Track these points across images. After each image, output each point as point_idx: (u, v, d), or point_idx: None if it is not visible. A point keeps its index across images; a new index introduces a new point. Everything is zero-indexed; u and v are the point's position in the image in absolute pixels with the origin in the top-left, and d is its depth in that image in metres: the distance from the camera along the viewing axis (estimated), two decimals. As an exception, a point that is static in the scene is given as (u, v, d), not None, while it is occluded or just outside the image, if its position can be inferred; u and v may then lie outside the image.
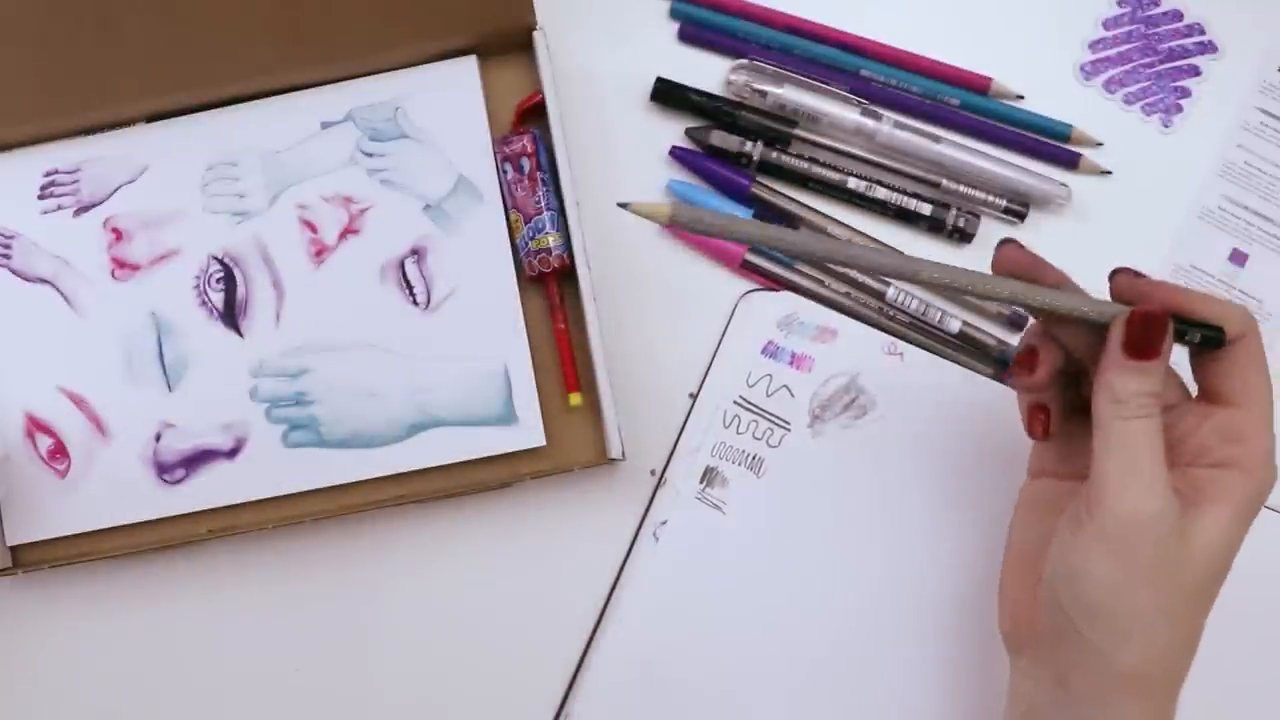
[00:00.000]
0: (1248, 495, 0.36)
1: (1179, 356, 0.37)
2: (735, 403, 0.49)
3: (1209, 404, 0.37)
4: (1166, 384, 0.37)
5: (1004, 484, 0.48)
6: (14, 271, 0.50)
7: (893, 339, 0.49)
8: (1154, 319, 0.35)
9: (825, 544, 0.48)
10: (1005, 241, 0.38)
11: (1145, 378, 0.35)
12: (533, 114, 0.49)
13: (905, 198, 0.50)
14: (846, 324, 0.49)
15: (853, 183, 0.50)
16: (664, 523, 0.48)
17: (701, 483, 0.49)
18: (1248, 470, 0.36)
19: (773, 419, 0.49)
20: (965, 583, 0.48)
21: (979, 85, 0.51)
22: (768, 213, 0.51)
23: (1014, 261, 0.38)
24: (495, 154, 0.49)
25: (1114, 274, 0.37)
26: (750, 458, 0.49)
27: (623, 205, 0.34)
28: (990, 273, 0.38)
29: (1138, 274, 0.37)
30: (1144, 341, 0.35)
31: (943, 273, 0.36)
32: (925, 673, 0.47)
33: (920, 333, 0.50)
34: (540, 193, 0.48)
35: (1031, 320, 0.40)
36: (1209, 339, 0.36)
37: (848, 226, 0.51)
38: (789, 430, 0.49)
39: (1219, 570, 0.36)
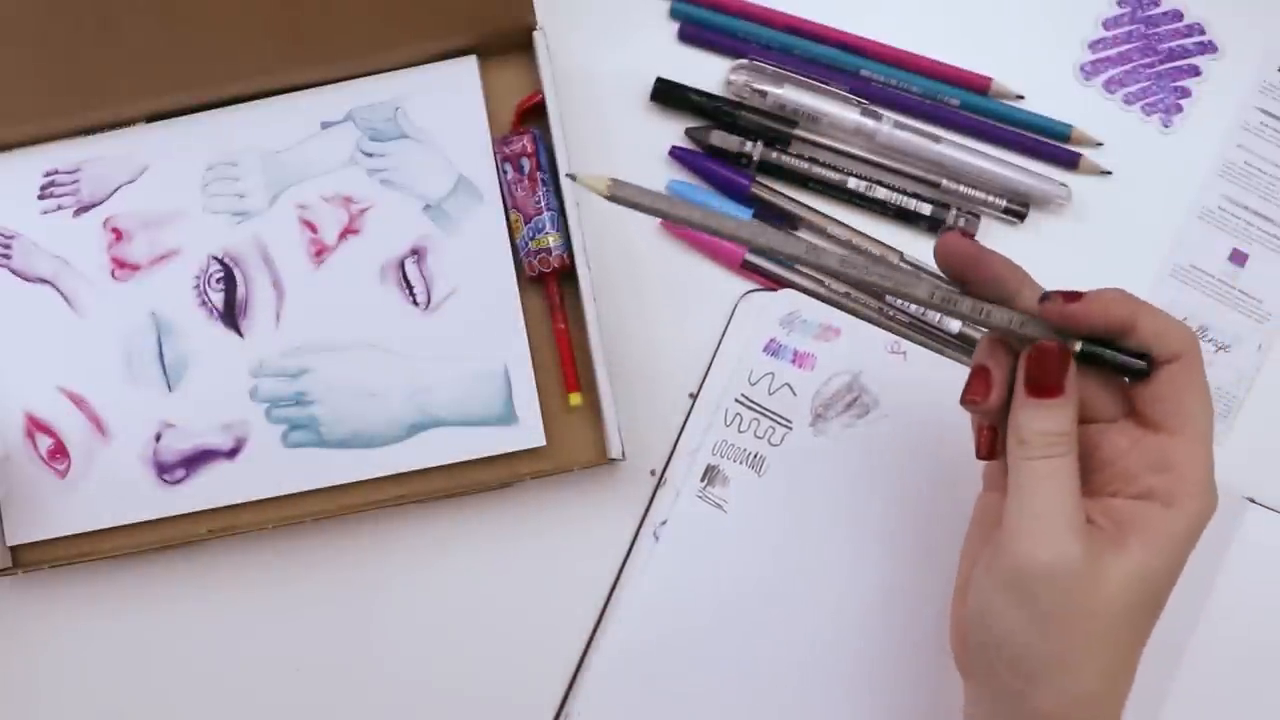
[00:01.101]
0: (1172, 531, 0.33)
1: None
2: (737, 401, 0.49)
3: (1139, 426, 0.34)
4: (1102, 400, 0.35)
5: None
6: (14, 271, 0.50)
7: (896, 338, 0.49)
8: (1050, 356, 0.33)
9: (826, 542, 0.48)
10: (947, 229, 0.37)
11: (1049, 416, 0.33)
12: (533, 114, 0.49)
13: (905, 198, 0.50)
14: (850, 322, 0.49)
15: (853, 183, 0.50)
16: (664, 523, 0.48)
17: (703, 481, 0.49)
18: (1172, 504, 0.33)
19: (774, 417, 0.49)
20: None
21: (979, 85, 0.51)
22: (768, 213, 0.51)
23: (955, 252, 0.35)
24: (495, 154, 0.49)
25: (1042, 299, 0.34)
26: (752, 456, 0.49)
27: (570, 176, 0.33)
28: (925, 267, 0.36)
29: (1070, 295, 0.34)
30: (1043, 379, 0.33)
31: (854, 268, 0.35)
32: (925, 671, 0.47)
33: (920, 332, 0.50)
34: (540, 193, 0.48)
35: (983, 334, 0.37)
36: (1130, 370, 0.34)
37: (848, 227, 0.51)
38: (791, 429, 0.49)
39: (1141, 609, 0.34)
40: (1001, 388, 0.35)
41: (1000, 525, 0.34)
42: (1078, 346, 0.34)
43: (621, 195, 0.34)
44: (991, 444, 0.37)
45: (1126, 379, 0.35)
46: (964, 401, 0.36)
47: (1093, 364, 0.34)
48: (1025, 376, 0.34)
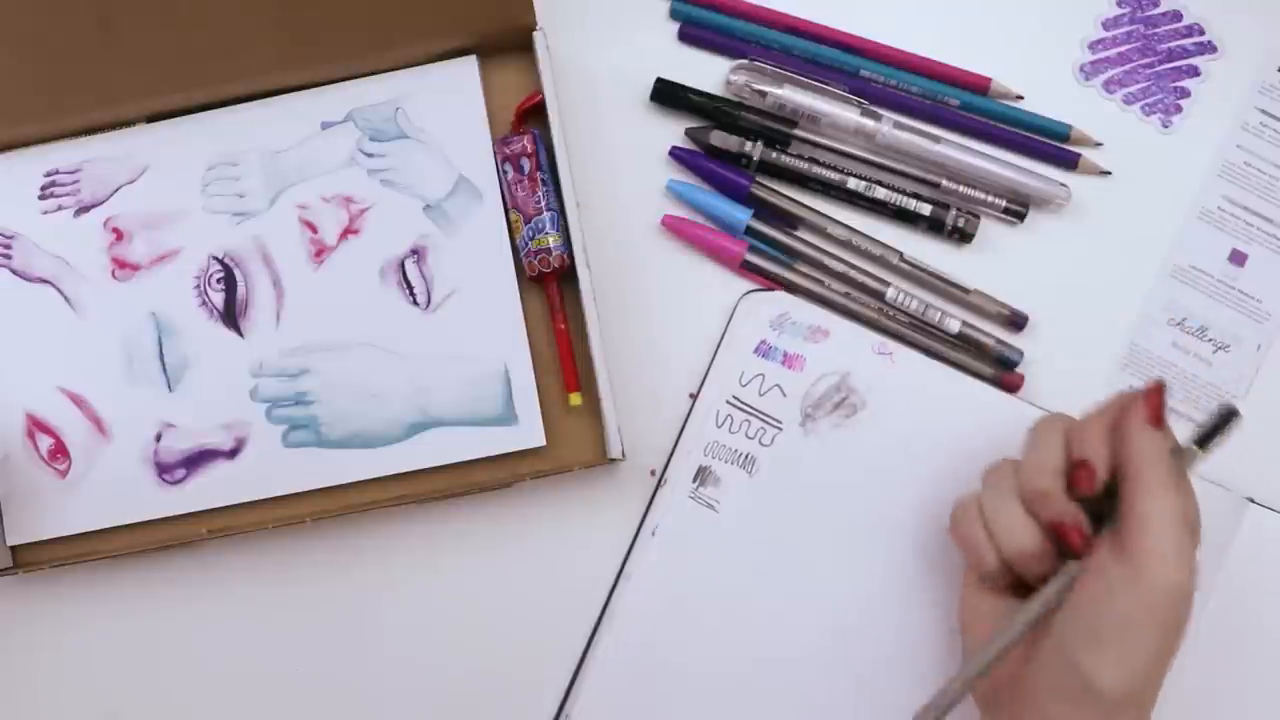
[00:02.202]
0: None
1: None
2: (728, 402, 0.49)
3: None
4: None
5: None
6: (14, 271, 0.50)
7: (883, 339, 0.49)
8: (1161, 391, 0.39)
9: (817, 542, 0.48)
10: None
11: (1165, 439, 0.38)
12: (533, 114, 0.49)
13: (905, 198, 0.50)
14: (838, 324, 0.49)
15: (853, 183, 0.50)
16: (660, 523, 0.48)
17: (695, 482, 0.49)
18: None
19: (765, 418, 0.49)
20: (955, 579, 0.48)
21: (979, 85, 0.51)
22: (767, 212, 0.51)
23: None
24: (495, 154, 0.49)
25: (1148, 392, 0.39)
26: (743, 457, 0.49)
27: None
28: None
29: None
30: (1158, 410, 0.39)
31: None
32: (917, 668, 0.47)
33: (920, 333, 0.50)
34: (540, 193, 0.48)
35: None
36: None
37: (848, 227, 0.51)
38: (781, 429, 0.49)
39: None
40: (1102, 473, 0.38)
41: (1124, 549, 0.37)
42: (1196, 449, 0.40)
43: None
44: (1084, 536, 0.39)
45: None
46: (1072, 489, 0.39)
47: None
48: (1146, 407, 0.38)
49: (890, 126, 0.50)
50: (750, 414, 0.49)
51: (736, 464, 0.49)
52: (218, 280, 0.49)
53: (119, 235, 0.50)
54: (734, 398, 0.49)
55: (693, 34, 0.52)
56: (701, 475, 0.49)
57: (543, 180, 0.48)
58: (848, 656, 0.48)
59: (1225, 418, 0.40)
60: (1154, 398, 0.38)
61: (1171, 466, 0.37)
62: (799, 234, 0.51)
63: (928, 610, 0.48)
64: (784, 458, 0.48)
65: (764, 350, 0.49)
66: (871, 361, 0.49)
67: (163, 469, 0.49)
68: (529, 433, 0.48)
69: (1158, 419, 0.38)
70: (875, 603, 0.48)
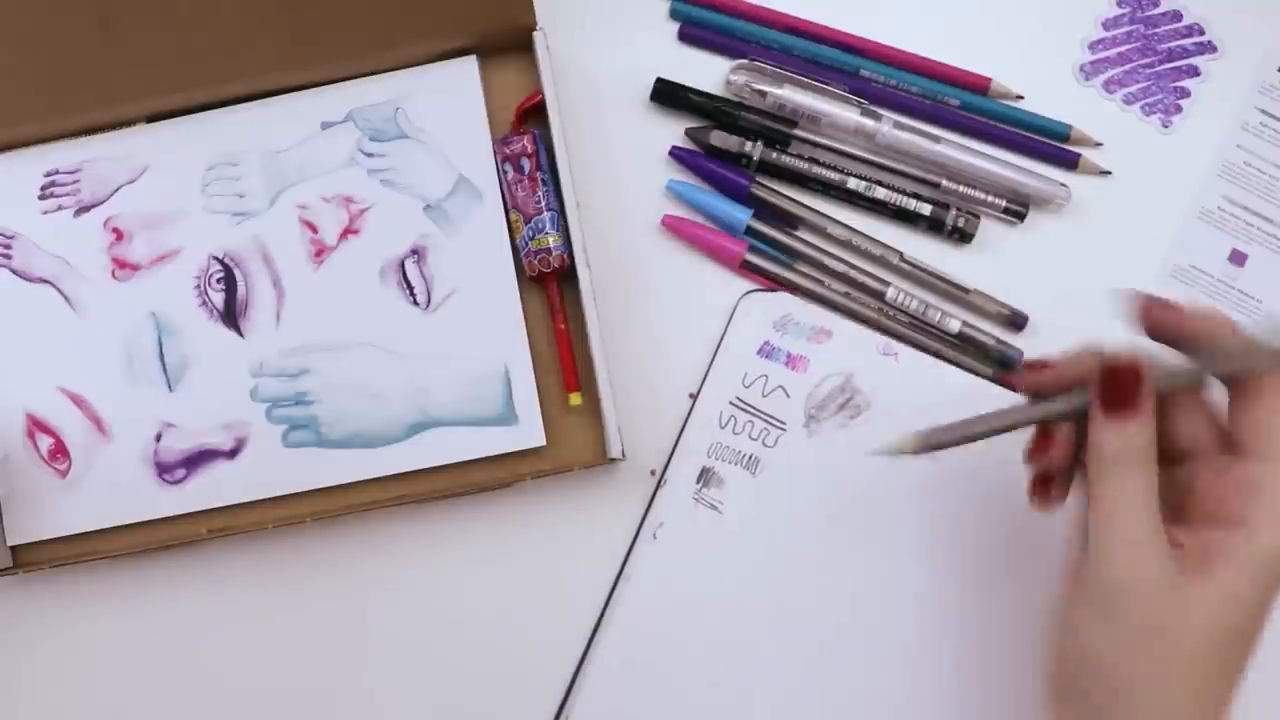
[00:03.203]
0: (1259, 556, 0.32)
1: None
2: (731, 403, 0.49)
3: (1232, 454, 0.34)
4: (1195, 428, 0.35)
5: (996, 483, 0.49)
6: (14, 271, 0.50)
7: (887, 340, 0.49)
8: (1122, 372, 0.33)
9: (820, 543, 0.48)
10: (1144, 301, 0.36)
11: (1126, 434, 0.33)
12: (533, 114, 0.49)
13: (905, 197, 0.50)
14: (841, 325, 0.49)
15: (853, 183, 0.50)
16: (664, 523, 0.48)
17: (698, 483, 0.49)
18: (1259, 530, 0.32)
19: (768, 419, 0.49)
20: (959, 582, 0.48)
21: (978, 85, 0.51)
22: (767, 213, 0.51)
23: (1161, 321, 0.36)
24: (495, 154, 0.49)
25: (1141, 303, 0.36)
26: (746, 458, 0.49)
27: (876, 453, 0.36)
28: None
29: (1166, 305, 0.35)
30: (1115, 396, 0.33)
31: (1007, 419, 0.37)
32: (920, 671, 0.47)
33: (920, 333, 0.50)
34: (540, 193, 0.48)
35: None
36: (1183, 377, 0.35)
37: (847, 227, 0.51)
38: (785, 430, 0.49)
39: (1230, 640, 0.33)
40: (1068, 444, 0.36)
41: (1086, 546, 0.34)
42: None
43: (933, 442, 0.36)
44: (1050, 495, 0.37)
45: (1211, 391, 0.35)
46: (1028, 460, 0.37)
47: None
48: (1100, 394, 0.34)
49: (890, 126, 0.50)
50: (754, 415, 0.49)
51: (740, 465, 0.49)
52: (218, 280, 0.49)
53: (119, 235, 0.50)
54: (737, 399, 0.49)
55: (693, 34, 0.52)
56: (705, 476, 0.49)
57: (543, 180, 0.48)
58: (850, 657, 0.48)
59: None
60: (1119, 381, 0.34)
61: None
62: (799, 234, 0.51)
63: (932, 612, 0.48)
64: (788, 459, 0.48)
65: (767, 351, 0.49)
66: (876, 362, 0.49)
67: (163, 469, 0.49)
68: (529, 433, 0.48)
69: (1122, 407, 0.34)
70: (879, 604, 0.48)
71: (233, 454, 0.48)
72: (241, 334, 0.49)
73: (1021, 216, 0.51)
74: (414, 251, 0.49)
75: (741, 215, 0.50)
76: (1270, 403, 0.33)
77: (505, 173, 0.49)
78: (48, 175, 0.50)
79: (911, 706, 0.48)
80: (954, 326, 0.50)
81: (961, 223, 0.50)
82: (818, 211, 0.51)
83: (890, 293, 0.50)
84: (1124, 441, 0.33)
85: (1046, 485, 0.38)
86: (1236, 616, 0.33)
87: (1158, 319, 0.35)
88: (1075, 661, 0.35)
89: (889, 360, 0.49)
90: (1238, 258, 0.51)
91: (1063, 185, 0.50)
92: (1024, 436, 0.41)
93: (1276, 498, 0.32)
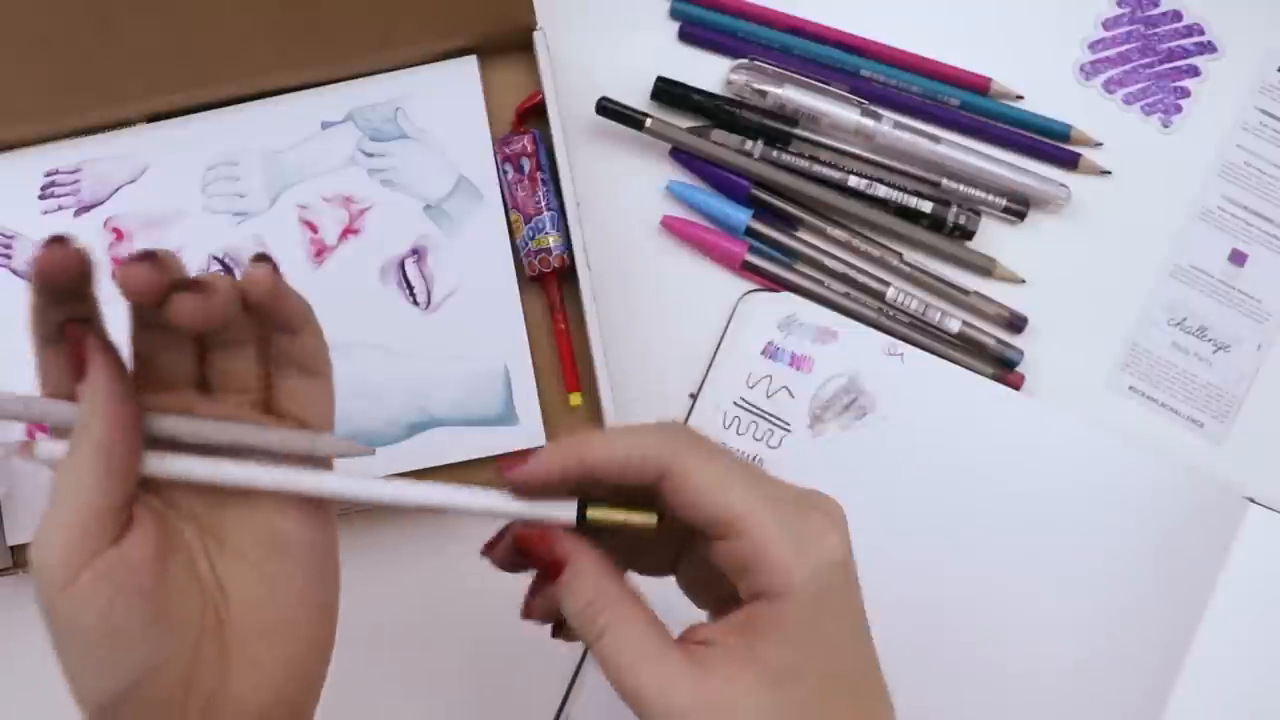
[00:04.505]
0: (793, 617, 0.29)
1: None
2: (735, 404, 0.49)
3: (711, 539, 0.30)
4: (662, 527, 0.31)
5: (1003, 484, 0.48)
6: (15, 271, 0.50)
7: (893, 340, 0.49)
8: (525, 541, 0.30)
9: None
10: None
11: (570, 593, 0.30)
12: (533, 114, 0.49)
13: (905, 195, 0.50)
14: (847, 325, 0.49)
15: (853, 181, 0.50)
16: (664, 523, 0.48)
17: (701, 483, 0.49)
18: (775, 594, 0.29)
19: (773, 420, 0.49)
20: (964, 581, 0.48)
21: (979, 85, 0.51)
22: (767, 213, 0.51)
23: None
24: (495, 154, 0.49)
25: (504, 472, 0.31)
26: (751, 459, 0.49)
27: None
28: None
29: (510, 464, 0.32)
30: (539, 563, 0.31)
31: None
32: (920, 672, 0.47)
33: (920, 333, 0.50)
34: (540, 193, 0.48)
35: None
36: (639, 527, 0.30)
37: (846, 227, 0.51)
38: (789, 431, 0.49)
39: (796, 708, 0.29)
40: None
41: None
42: (573, 509, 0.30)
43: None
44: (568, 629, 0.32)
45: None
46: (524, 616, 0.33)
47: (601, 531, 0.30)
48: (533, 564, 0.31)
49: (890, 126, 0.50)
50: (758, 416, 0.49)
51: (740, 465, 0.49)
52: (218, 280, 0.49)
53: (119, 235, 0.50)
54: (741, 399, 0.49)
55: (693, 34, 0.52)
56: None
57: (543, 180, 0.48)
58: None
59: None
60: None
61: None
62: (799, 234, 0.51)
63: (937, 613, 0.47)
64: (792, 459, 0.48)
65: (771, 352, 0.49)
66: (882, 363, 0.49)
67: (163, 469, 0.48)
68: (529, 433, 0.48)
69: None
70: (880, 605, 0.48)
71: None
72: (241, 334, 0.49)
73: (1021, 216, 0.51)
74: (414, 251, 0.49)
75: (741, 215, 0.50)
76: (682, 494, 0.29)
77: (505, 173, 0.49)
78: (48, 175, 0.50)
79: (910, 706, 0.47)
80: (954, 326, 0.50)
81: (963, 220, 0.50)
82: (818, 212, 0.51)
83: (890, 293, 0.50)
84: (577, 601, 0.30)
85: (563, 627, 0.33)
86: (797, 687, 0.29)
87: (517, 483, 0.30)
88: None
89: (895, 361, 0.49)
90: (1238, 257, 0.51)
91: (1063, 185, 0.50)
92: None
93: (767, 561, 0.28)
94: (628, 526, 0.30)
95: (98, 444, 0.29)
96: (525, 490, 0.30)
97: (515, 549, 0.31)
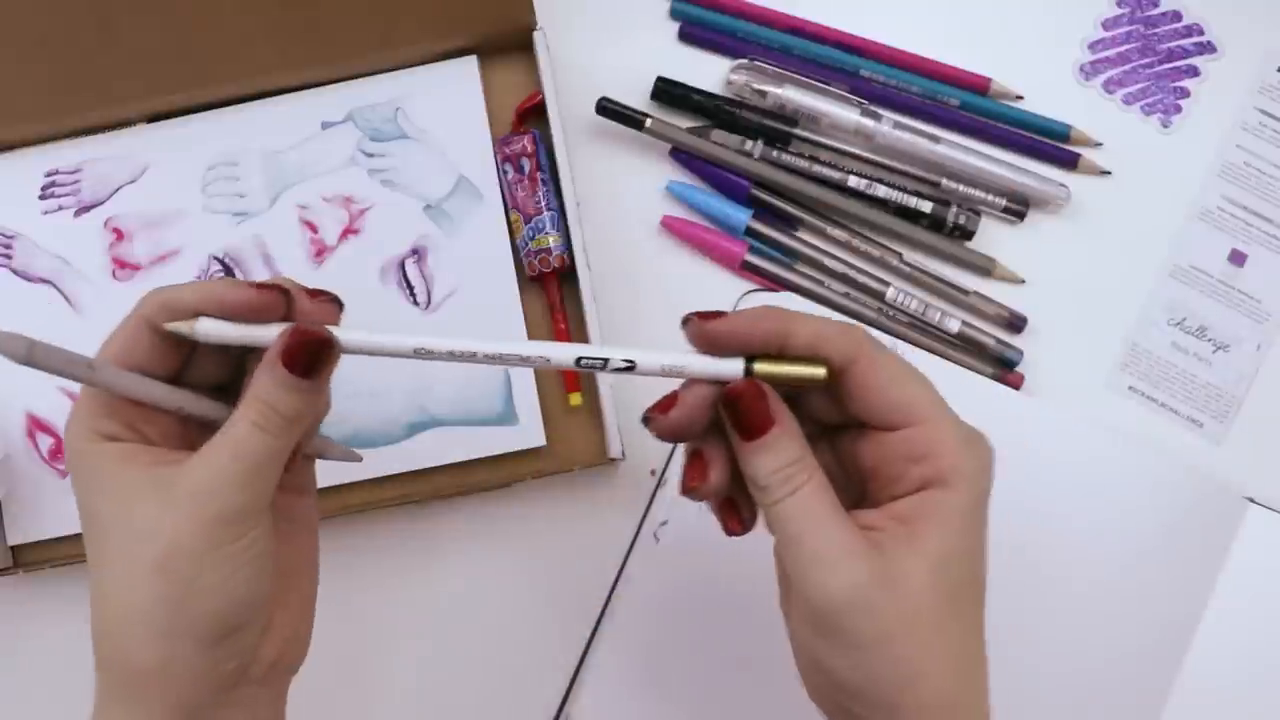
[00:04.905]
0: (956, 507, 0.31)
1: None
2: (735, 403, 0.49)
3: (877, 428, 0.32)
4: (830, 410, 0.32)
5: (1003, 484, 0.48)
6: (15, 271, 0.50)
7: (893, 340, 0.49)
8: (742, 396, 0.30)
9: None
10: (688, 317, 0.32)
11: (773, 453, 0.30)
12: (533, 114, 0.49)
13: (905, 195, 0.50)
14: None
15: (853, 181, 0.50)
16: (664, 523, 0.48)
17: (701, 482, 0.49)
18: (946, 484, 0.31)
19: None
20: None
21: (979, 85, 0.51)
22: (767, 213, 0.51)
23: (707, 337, 0.32)
24: (495, 154, 0.49)
25: (683, 322, 0.32)
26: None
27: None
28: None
29: (708, 315, 0.31)
30: (748, 419, 0.30)
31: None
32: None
33: (920, 333, 0.50)
34: (540, 193, 0.48)
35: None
36: (806, 379, 0.31)
37: (846, 227, 0.51)
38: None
39: (959, 593, 0.31)
40: (722, 463, 0.32)
41: (784, 576, 0.32)
42: (740, 367, 0.31)
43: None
44: (739, 517, 0.34)
45: (817, 392, 0.32)
46: (685, 492, 0.33)
47: (768, 384, 0.31)
48: (731, 424, 0.31)
49: (890, 126, 0.50)
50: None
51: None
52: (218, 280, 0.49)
53: (119, 235, 0.50)
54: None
55: (693, 34, 0.52)
56: (707, 476, 0.49)
57: (543, 180, 0.48)
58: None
59: None
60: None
61: None
62: (799, 234, 0.51)
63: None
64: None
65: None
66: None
67: (163, 469, 0.48)
68: (529, 432, 0.48)
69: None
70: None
71: (233, 454, 0.48)
72: (242, 334, 0.49)
73: (1021, 216, 0.51)
74: (414, 251, 0.49)
75: (741, 215, 0.50)
76: (871, 379, 0.31)
77: (505, 173, 0.49)
78: (48, 175, 0.50)
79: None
80: (954, 326, 0.50)
81: (962, 220, 0.50)
82: (817, 213, 0.51)
83: (890, 293, 0.50)
84: (774, 461, 0.30)
85: (733, 510, 0.34)
86: (957, 572, 0.31)
87: (711, 334, 0.31)
88: (827, 691, 0.33)
89: (890, 360, 0.49)
90: (1237, 257, 0.51)
91: (1062, 185, 0.50)
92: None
93: (942, 451, 0.31)
94: (797, 380, 0.31)
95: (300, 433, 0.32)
96: (717, 344, 0.31)
97: (728, 410, 0.31)
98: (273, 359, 0.31)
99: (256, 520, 0.30)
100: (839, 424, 0.33)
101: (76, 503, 0.31)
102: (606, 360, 0.32)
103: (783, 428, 0.31)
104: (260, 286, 0.32)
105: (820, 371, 0.31)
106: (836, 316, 0.49)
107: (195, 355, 0.33)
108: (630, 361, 0.32)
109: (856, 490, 0.33)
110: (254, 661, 0.32)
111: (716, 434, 0.32)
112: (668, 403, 0.32)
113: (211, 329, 0.31)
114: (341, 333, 0.32)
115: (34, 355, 0.29)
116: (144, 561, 0.29)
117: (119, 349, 0.32)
